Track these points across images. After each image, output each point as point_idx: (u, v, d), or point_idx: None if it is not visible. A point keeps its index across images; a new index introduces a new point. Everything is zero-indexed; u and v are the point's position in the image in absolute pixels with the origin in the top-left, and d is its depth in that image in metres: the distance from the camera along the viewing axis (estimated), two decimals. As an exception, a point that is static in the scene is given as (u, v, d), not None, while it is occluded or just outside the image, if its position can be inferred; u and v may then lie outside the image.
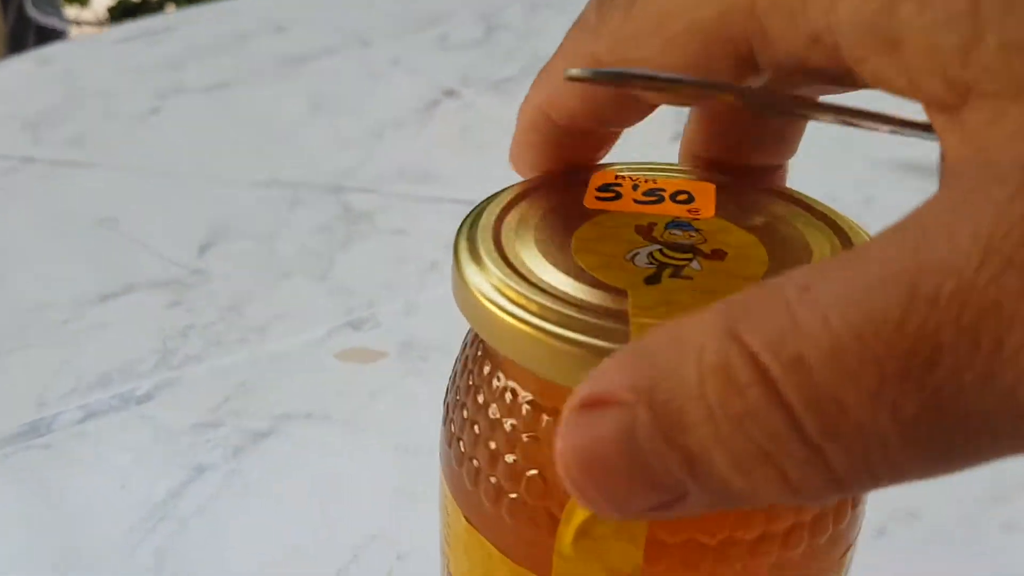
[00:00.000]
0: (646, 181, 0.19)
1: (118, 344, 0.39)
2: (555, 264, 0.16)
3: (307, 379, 0.37)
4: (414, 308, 0.42)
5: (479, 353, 0.18)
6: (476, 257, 0.16)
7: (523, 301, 0.15)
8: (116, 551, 0.29)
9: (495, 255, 0.16)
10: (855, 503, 0.17)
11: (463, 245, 0.16)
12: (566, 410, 0.12)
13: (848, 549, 0.17)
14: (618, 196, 0.18)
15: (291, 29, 0.75)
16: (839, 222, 0.18)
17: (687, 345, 0.11)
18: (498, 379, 0.17)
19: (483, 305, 0.15)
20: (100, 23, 2.64)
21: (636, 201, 0.18)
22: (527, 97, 0.19)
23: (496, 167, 0.59)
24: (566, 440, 0.12)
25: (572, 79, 0.15)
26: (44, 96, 0.63)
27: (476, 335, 0.18)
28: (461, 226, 0.17)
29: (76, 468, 0.33)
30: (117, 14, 2.52)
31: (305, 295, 0.43)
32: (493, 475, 0.17)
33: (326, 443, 0.34)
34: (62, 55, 0.71)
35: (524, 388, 0.16)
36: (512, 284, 0.15)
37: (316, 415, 0.35)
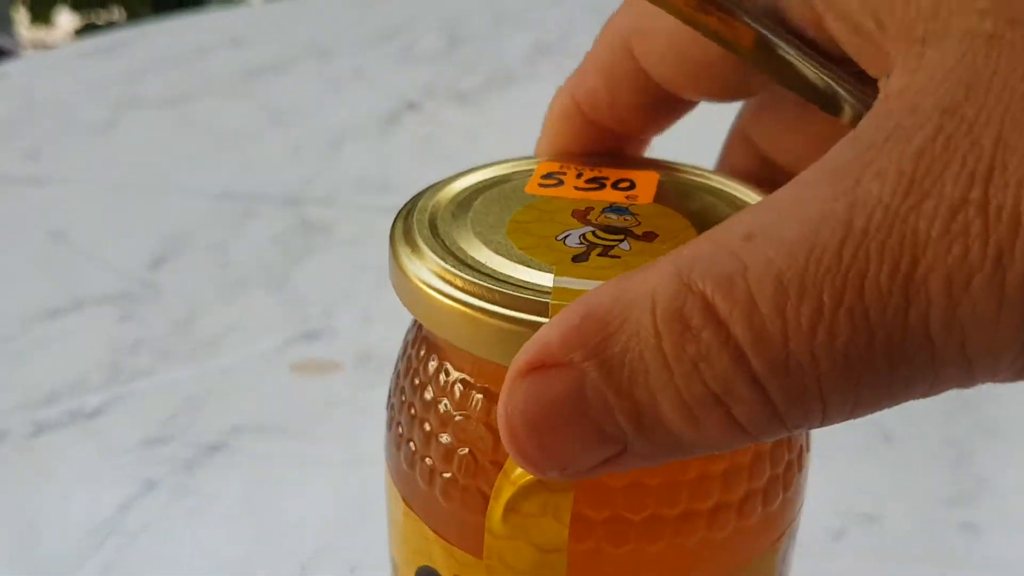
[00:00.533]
0: (592, 170, 0.19)
1: (67, 359, 0.38)
2: (487, 245, 0.16)
3: (260, 392, 0.36)
4: (371, 318, 0.41)
5: (417, 338, 0.18)
6: (411, 240, 0.16)
7: (453, 279, 0.15)
8: (64, 565, 0.28)
9: (429, 238, 0.16)
10: (786, 486, 0.17)
11: (399, 228, 0.17)
12: (509, 376, 0.12)
13: (782, 536, 0.17)
14: (560, 183, 0.18)
15: (249, 43, 0.74)
16: None
17: (638, 297, 0.11)
18: (432, 361, 0.17)
19: (416, 286, 0.15)
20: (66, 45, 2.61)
21: (577, 188, 0.18)
22: (562, 86, 0.20)
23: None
24: (510, 404, 0.12)
25: None
26: (-3, 110, 0.62)
27: (416, 322, 0.18)
28: (399, 212, 0.17)
29: (24, 483, 0.32)
30: (83, 35, 2.50)
31: (259, 307, 0.42)
32: (428, 456, 0.17)
33: (279, 456, 0.33)
34: (18, 70, 0.70)
35: (457, 369, 0.16)
36: (444, 264, 0.15)
37: (269, 428, 0.34)
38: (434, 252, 0.16)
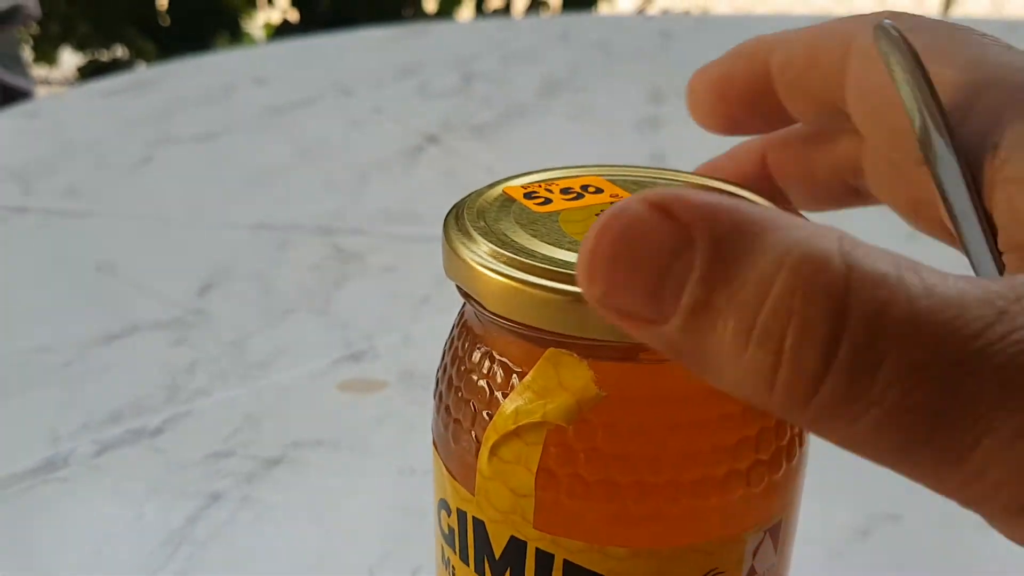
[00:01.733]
0: (540, 185, 0.22)
1: (126, 382, 0.40)
2: (536, 235, 0.19)
3: (313, 409, 0.38)
4: (410, 340, 0.43)
5: (457, 325, 0.21)
6: (464, 230, 0.19)
7: (500, 256, 0.18)
8: (140, 574, 0.30)
9: (479, 226, 0.19)
10: (752, 482, 0.19)
11: (451, 221, 0.19)
12: (634, 197, 0.12)
13: (752, 529, 0.19)
14: (548, 201, 0.21)
15: (272, 82, 0.77)
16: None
17: (790, 231, 0.12)
18: (466, 341, 0.20)
19: (475, 269, 0.18)
20: (69, 83, 2.65)
21: (565, 199, 0.21)
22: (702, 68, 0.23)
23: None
24: (618, 218, 0.12)
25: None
26: (34, 149, 0.64)
27: (460, 320, 0.21)
28: (450, 210, 0.20)
29: (93, 500, 0.33)
30: (87, 73, 2.53)
31: (304, 330, 0.44)
32: (448, 406, 0.20)
33: (336, 468, 0.35)
34: (49, 109, 0.72)
35: (483, 344, 0.20)
36: (493, 245, 0.18)
37: (325, 442, 0.36)
38: (484, 236, 0.18)
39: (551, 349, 0.18)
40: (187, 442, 0.36)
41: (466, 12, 2.15)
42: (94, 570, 0.30)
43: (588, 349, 0.18)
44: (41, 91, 2.93)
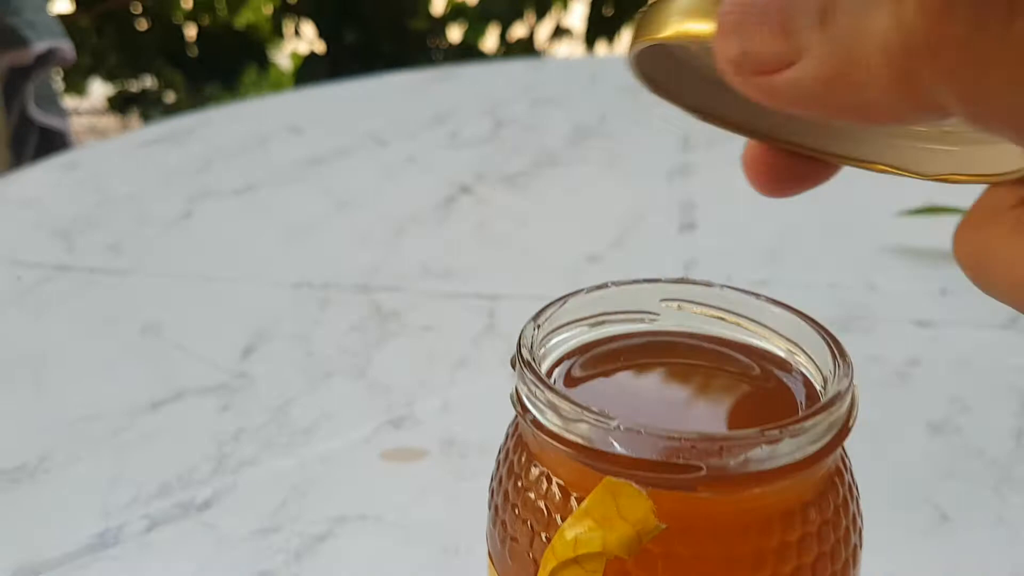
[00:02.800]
0: None
1: (173, 451, 0.41)
2: None
3: (357, 480, 0.39)
4: (449, 406, 0.44)
5: (514, 442, 0.22)
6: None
7: None
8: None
9: None
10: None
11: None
12: None
13: None
14: None
15: (307, 131, 0.78)
16: None
17: None
18: (521, 457, 0.21)
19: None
20: (99, 112, 2.70)
21: None
22: None
23: (512, 260, 0.62)
24: None
25: None
26: (75, 203, 0.66)
27: (515, 432, 0.22)
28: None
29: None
30: (117, 103, 2.58)
31: (346, 394, 0.45)
32: (504, 520, 0.21)
33: (381, 545, 0.36)
34: (88, 160, 0.74)
35: (538, 463, 0.21)
36: None
37: (369, 516, 0.37)
38: None
39: (608, 478, 0.19)
40: (235, 516, 0.37)
41: (491, 41, 2.17)
42: (150, 652, 0.31)
43: (647, 479, 0.19)
44: (72, 121, 2.98)
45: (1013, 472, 0.40)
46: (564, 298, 0.24)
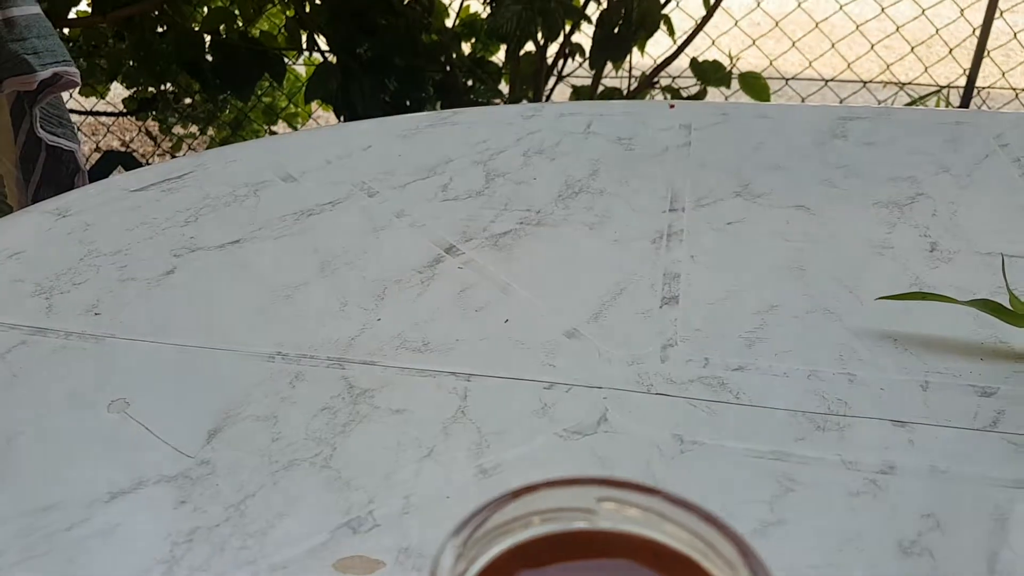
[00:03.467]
0: None
1: (126, 551, 0.41)
2: None
3: (307, 590, 0.39)
4: (411, 507, 0.43)
5: None
6: None
7: None
8: None
9: None
10: None
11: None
12: None
13: None
14: None
15: (300, 179, 0.78)
16: None
17: None
18: None
19: None
20: (117, 115, 2.72)
21: None
22: None
23: (491, 333, 0.61)
24: None
25: None
26: (61, 255, 0.66)
27: None
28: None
29: None
30: (133, 106, 2.60)
31: (307, 489, 0.45)
32: None
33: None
34: (79, 205, 0.74)
35: None
36: None
37: (315, 633, 0.37)
38: None
39: None
40: (181, 628, 0.37)
41: (501, 54, 2.17)
42: None
43: None
44: (88, 120, 2.99)
45: (982, 597, 0.39)
46: (495, 505, 0.23)
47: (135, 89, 2.52)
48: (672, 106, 0.92)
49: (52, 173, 1.25)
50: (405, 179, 0.79)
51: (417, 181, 0.78)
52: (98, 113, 2.82)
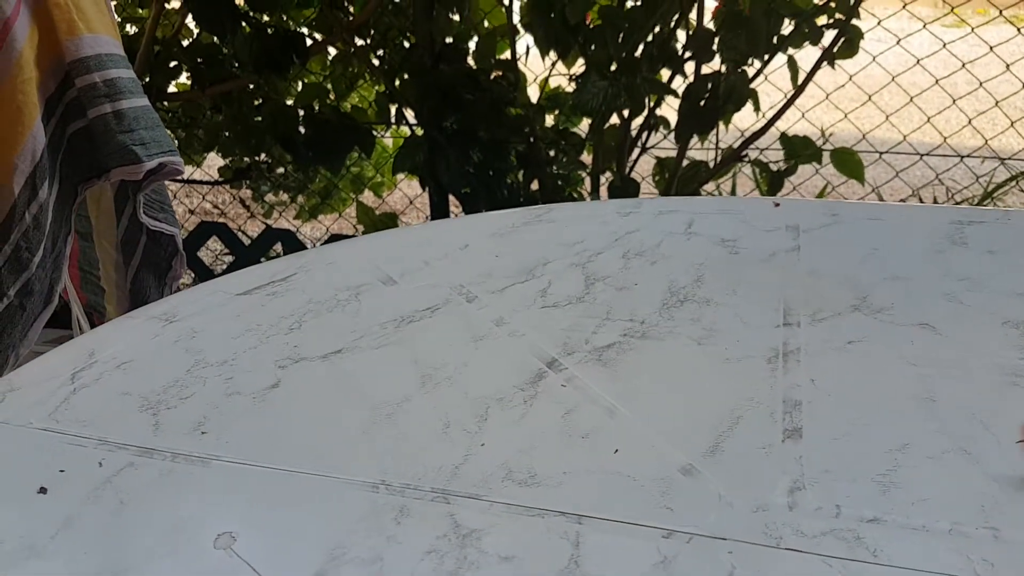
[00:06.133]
0: None
1: None
2: None
3: None
4: (526, 674, 0.41)
5: None
6: None
7: None
8: None
9: None
10: None
11: None
12: None
13: None
14: None
15: (399, 282, 0.78)
16: None
17: None
18: None
19: None
20: (212, 183, 2.81)
21: None
22: None
23: (602, 467, 0.58)
24: None
25: None
26: (166, 367, 0.66)
27: None
28: None
29: None
30: (228, 175, 2.68)
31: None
32: None
33: None
34: (185, 309, 0.75)
35: None
36: None
37: None
38: None
39: None
40: None
41: (584, 124, 2.17)
42: None
43: None
44: (183, 186, 3.11)
45: None
46: None
47: (230, 159, 2.61)
48: (777, 204, 0.89)
49: (152, 256, 1.29)
50: (503, 282, 0.77)
51: (516, 284, 0.77)
52: (194, 181, 2.92)
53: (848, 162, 1.88)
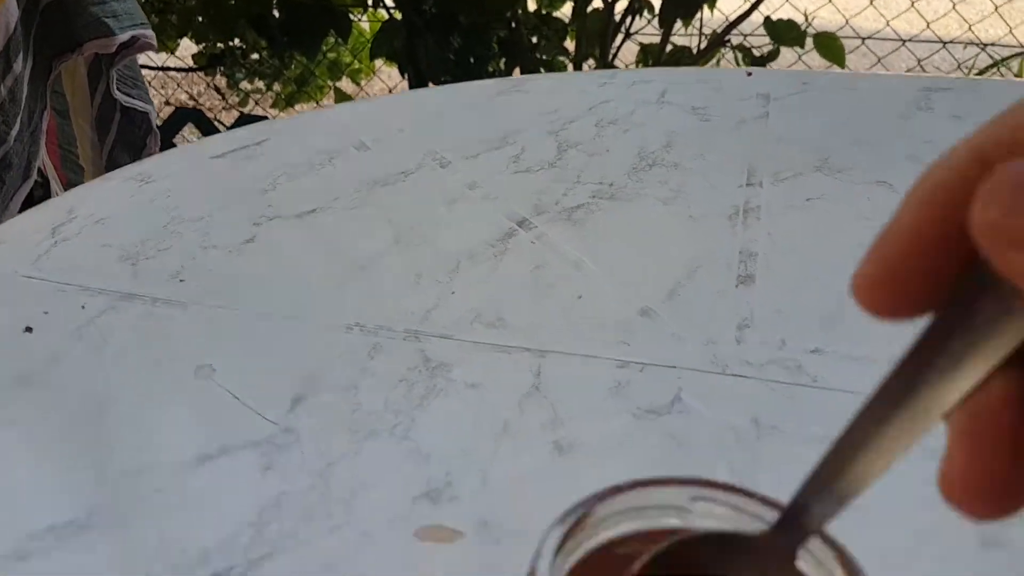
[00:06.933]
0: None
1: (215, 514, 0.42)
2: None
3: (390, 561, 0.40)
4: (489, 481, 0.44)
5: None
6: None
7: None
8: None
9: None
10: None
11: None
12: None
13: None
14: None
15: (373, 148, 0.79)
16: None
17: None
18: None
19: None
20: (186, 70, 2.76)
21: None
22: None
23: (565, 311, 0.61)
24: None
25: None
26: (143, 223, 0.67)
27: None
28: None
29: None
30: (203, 62, 2.63)
31: (387, 459, 0.46)
32: None
33: (407, 637, 0.37)
34: (160, 171, 0.76)
35: None
36: None
37: (398, 604, 0.38)
38: None
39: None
40: (271, 594, 0.38)
41: (567, 9, 2.14)
42: None
43: None
44: (158, 75, 3.04)
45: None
46: (589, 502, 0.23)
47: (204, 45, 2.55)
48: (750, 73, 0.90)
49: (126, 134, 1.28)
50: (477, 149, 0.79)
51: (489, 151, 0.78)
52: (168, 68, 2.86)
53: (830, 47, 1.87)
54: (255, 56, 2.59)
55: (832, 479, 0.19)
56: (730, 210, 0.68)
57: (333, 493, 0.44)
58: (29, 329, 0.55)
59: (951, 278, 0.17)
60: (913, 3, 2.09)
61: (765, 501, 0.24)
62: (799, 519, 0.20)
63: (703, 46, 2.06)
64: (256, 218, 0.68)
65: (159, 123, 1.33)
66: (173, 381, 0.51)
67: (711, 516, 0.24)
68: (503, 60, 2.13)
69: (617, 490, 0.24)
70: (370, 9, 2.39)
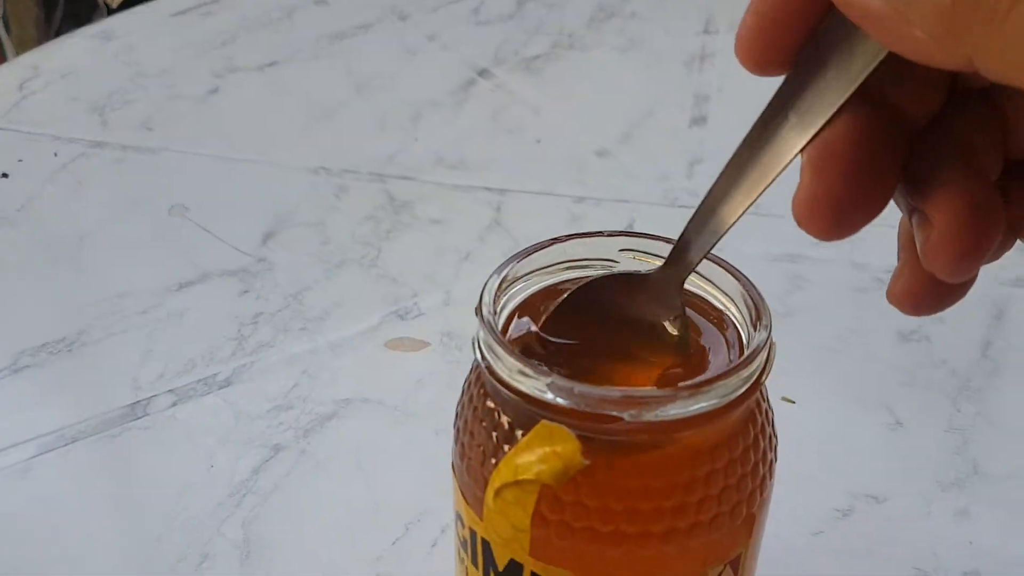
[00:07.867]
0: None
1: (197, 330, 0.45)
2: None
3: (362, 366, 0.43)
4: (452, 299, 0.47)
5: (477, 379, 0.26)
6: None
7: None
8: (209, 522, 0.36)
9: None
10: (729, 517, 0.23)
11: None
12: None
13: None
14: None
15: (332, 3, 0.79)
16: None
17: None
18: (481, 392, 0.25)
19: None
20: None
21: None
22: None
23: (523, 152, 0.63)
24: None
25: None
26: (109, 76, 0.68)
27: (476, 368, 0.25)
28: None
29: (172, 449, 0.39)
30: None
31: (357, 284, 0.49)
32: (465, 443, 0.25)
33: (381, 426, 0.40)
34: (122, 29, 0.75)
35: (496, 404, 0.24)
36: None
37: (371, 400, 0.41)
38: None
39: (544, 421, 0.22)
40: (251, 394, 0.42)
41: None
42: (168, 519, 0.36)
43: (575, 425, 0.22)
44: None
45: (971, 382, 0.43)
46: (527, 251, 0.26)
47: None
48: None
49: (72, 15, 1.25)
50: (437, 2, 0.79)
51: (449, 4, 0.79)
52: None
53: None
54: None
55: (708, 216, 0.22)
56: (686, 56, 0.69)
57: (308, 312, 0.46)
58: (5, 175, 0.56)
59: (812, 31, 0.18)
60: None
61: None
62: (685, 254, 0.23)
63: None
64: (219, 71, 0.69)
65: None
66: (148, 219, 0.53)
67: (637, 265, 0.27)
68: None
69: (554, 240, 0.26)
70: None
